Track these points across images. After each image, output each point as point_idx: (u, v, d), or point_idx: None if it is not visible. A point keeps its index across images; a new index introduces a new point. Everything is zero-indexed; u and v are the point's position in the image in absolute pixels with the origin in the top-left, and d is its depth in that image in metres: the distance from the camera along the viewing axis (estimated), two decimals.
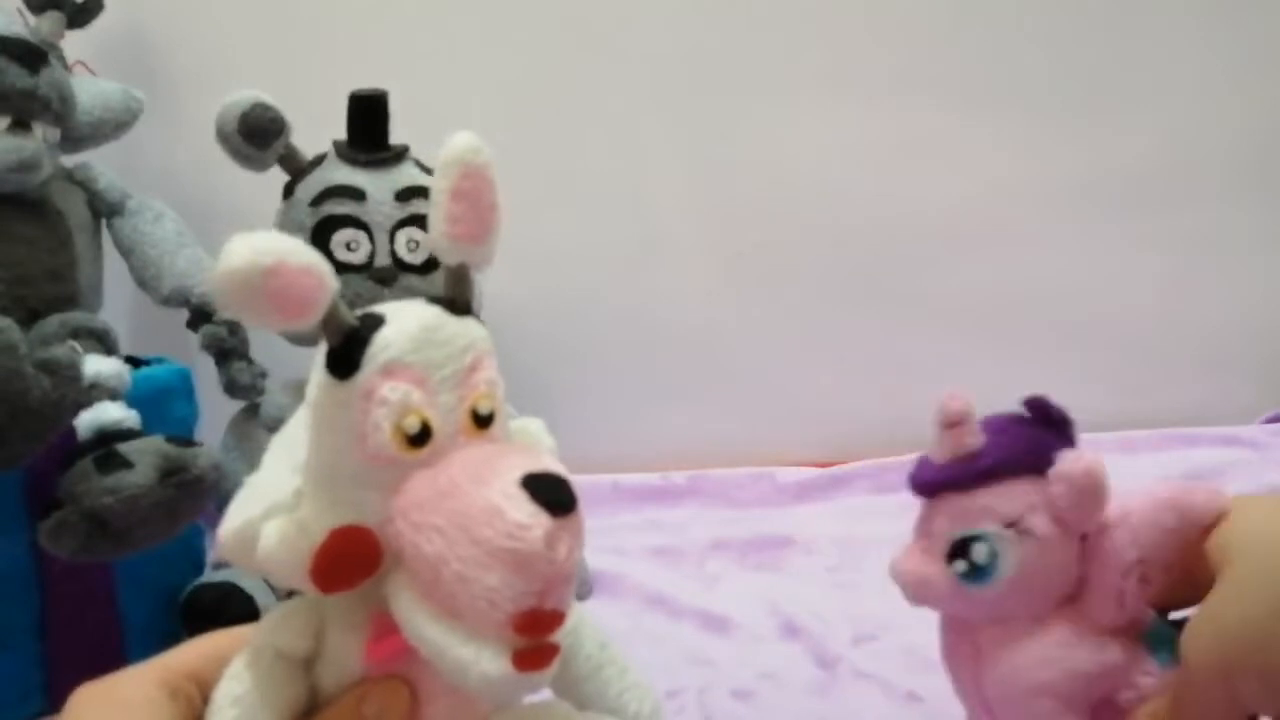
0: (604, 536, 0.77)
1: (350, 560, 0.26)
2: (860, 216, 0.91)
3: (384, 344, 0.26)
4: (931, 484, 0.36)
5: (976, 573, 0.35)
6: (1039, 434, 0.36)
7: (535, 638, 0.25)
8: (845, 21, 0.87)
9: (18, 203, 0.62)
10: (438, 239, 0.29)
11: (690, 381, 0.92)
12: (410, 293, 0.65)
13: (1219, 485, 0.33)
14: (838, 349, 0.92)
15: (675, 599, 0.69)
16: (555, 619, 0.25)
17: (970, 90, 0.89)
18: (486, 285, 0.70)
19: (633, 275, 0.91)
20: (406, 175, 0.67)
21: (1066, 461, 0.35)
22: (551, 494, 0.25)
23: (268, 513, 0.27)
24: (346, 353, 0.27)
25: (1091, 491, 0.34)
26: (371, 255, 0.65)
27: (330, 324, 0.26)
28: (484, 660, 0.25)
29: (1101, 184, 0.91)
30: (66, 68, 0.68)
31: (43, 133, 0.62)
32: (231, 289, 0.24)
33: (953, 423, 0.36)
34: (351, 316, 0.27)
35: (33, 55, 0.61)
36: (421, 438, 0.27)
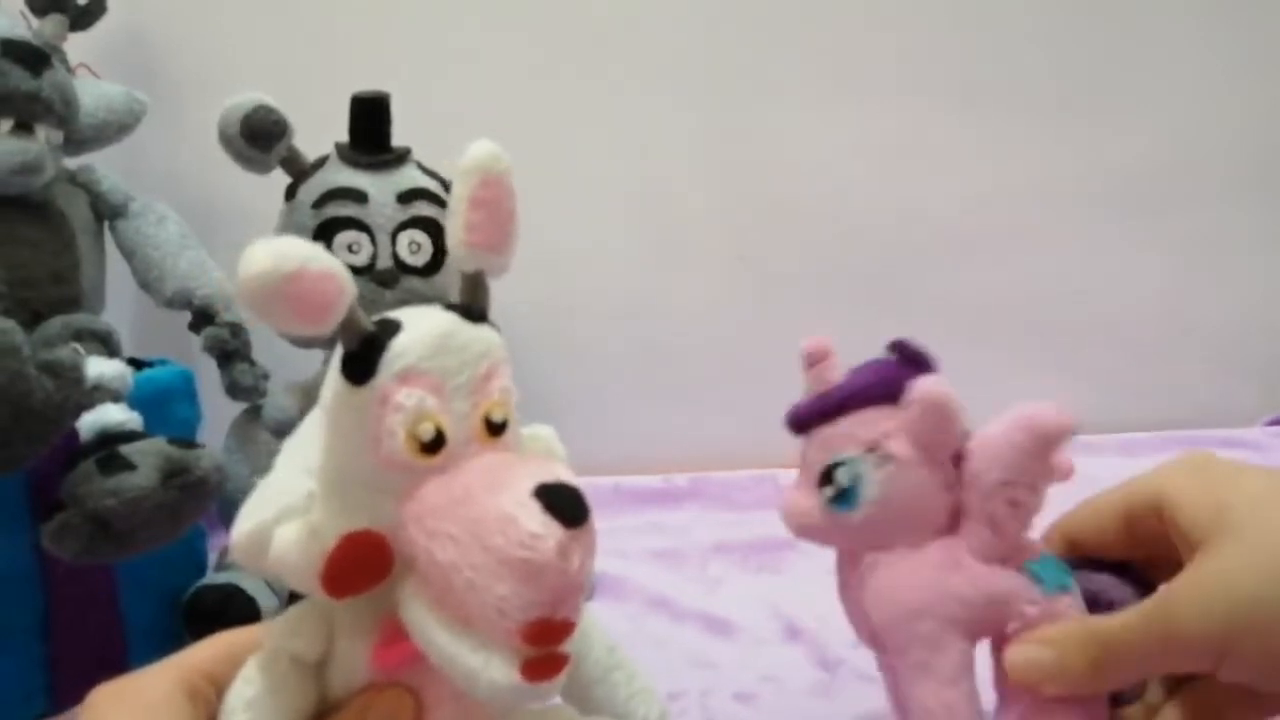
0: (605, 539, 0.76)
1: (362, 565, 0.26)
2: (864, 219, 0.91)
3: (400, 350, 0.27)
4: (800, 419, 0.38)
5: (842, 497, 0.36)
6: (897, 369, 0.38)
7: (545, 647, 0.25)
8: (848, 24, 0.88)
9: (21, 205, 0.62)
10: (455, 246, 0.29)
11: (692, 383, 0.92)
12: (412, 295, 0.65)
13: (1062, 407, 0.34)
14: (840, 350, 0.92)
15: (677, 601, 0.69)
16: (565, 629, 0.25)
17: (973, 93, 0.89)
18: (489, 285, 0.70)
19: (634, 277, 0.91)
20: (408, 177, 0.67)
21: (915, 385, 0.36)
22: (565, 505, 0.25)
23: (280, 516, 0.27)
24: (363, 358, 0.27)
25: (940, 410, 0.35)
26: (373, 257, 0.65)
27: (348, 329, 0.26)
28: (493, 669, 0.25)
29: (1103, 185, 0.91)
30: (69, 70, 0.68)
31: (46, 135, 0.62)
32: (253, 294, 0.24)
33: (814, 361, 0.39)
34: (369, 322, 0.27)
35: (35, 57, 0.61)
36: (435, 444, 0.27)
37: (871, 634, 0.37)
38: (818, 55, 0.88)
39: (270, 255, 0.24)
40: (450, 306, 0.29)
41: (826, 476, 0.37)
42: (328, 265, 0.25)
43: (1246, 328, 0.94)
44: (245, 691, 0.28)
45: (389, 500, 0.27)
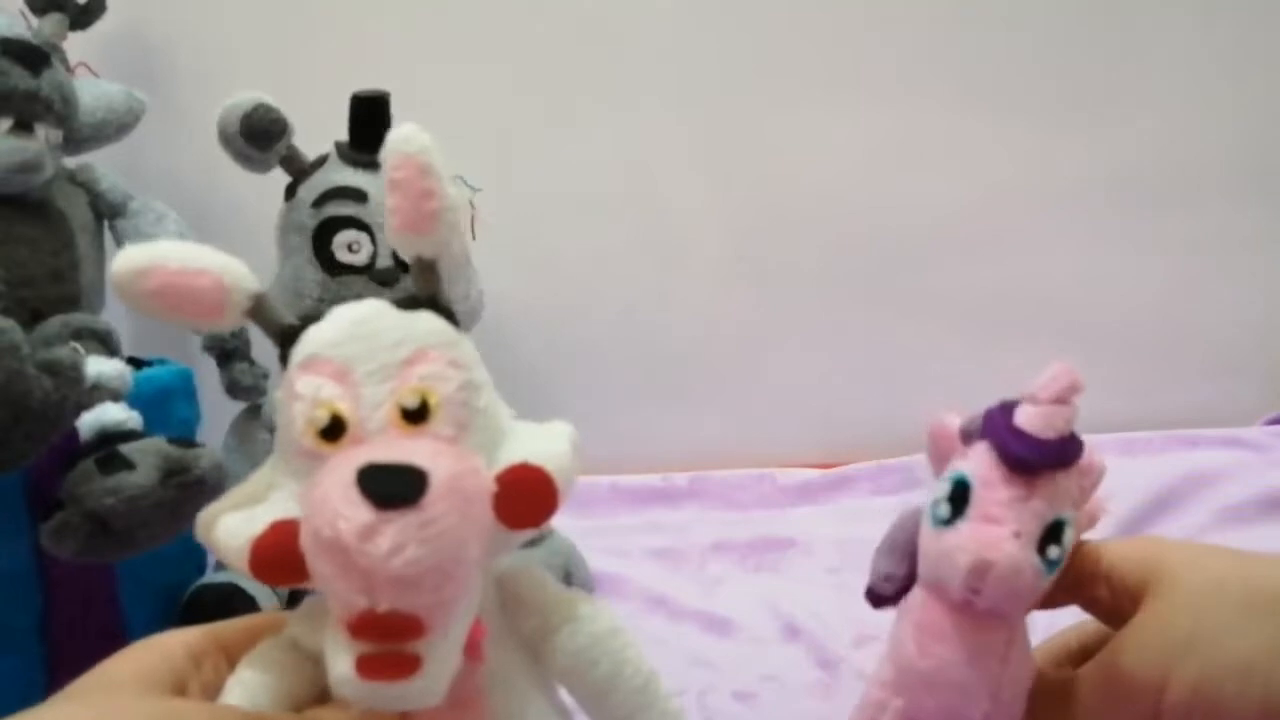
0: (605, 538, 0.77)
1: (286, 554, 0.25)
2: (862, 218, 0.91)
3: (307, 340, 0.27)
4: (1045, 459, 0.32)
5: (1058, 560, 0.32)
6: None
7: (376, 643, 0.23)
8: (847, 23, 0.87)
9: (20, 204, 0.62)
10: (388, 232, 0.29)
11: (691, 382, 0.92)
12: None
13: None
14: (839, 350, 0.92)
15: (676, 601, 0.69)
16: (398, 625, 0.23)
17: (973, 92, 0.89)
18: (488, 285, 0.70)
19: (634, 276, 0.91)
20: None
21: (1091, 459, 0.34)
22: (382, 486, 0.23)
23: (236, 504, 0.28)
24: (283, 351, 0.28)
25: (1097, 487, 0.34)
26: (373, 256, 0.65)
27: (263, 323, 0.28)
28: (336, 661, 0.24)
29: (1104, 185, 0.91)
30: (69, 69, 0.68)
31: (45, 134, 0.62)
32: (117, 289, 0.26)
33: (1069, 396, 0.33)
34: (285, 315, 0.28)
35: (35, 57, 0.61)
36: (332, 431, 0.26)
37: (992, 707, 0.33)
38: (818, 55, 0.88)
39: (128, 255, 0.25)
40: (408, 296, 0.29)
41: (1053, 534, 0.32)
42: (196, 263, 0.26)
43: (1246, 328, 0.94)
44: (244, 671, 0.28)
45: (305, 488, 0.26)
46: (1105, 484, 0.37)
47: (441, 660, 0.24)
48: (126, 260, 0.25)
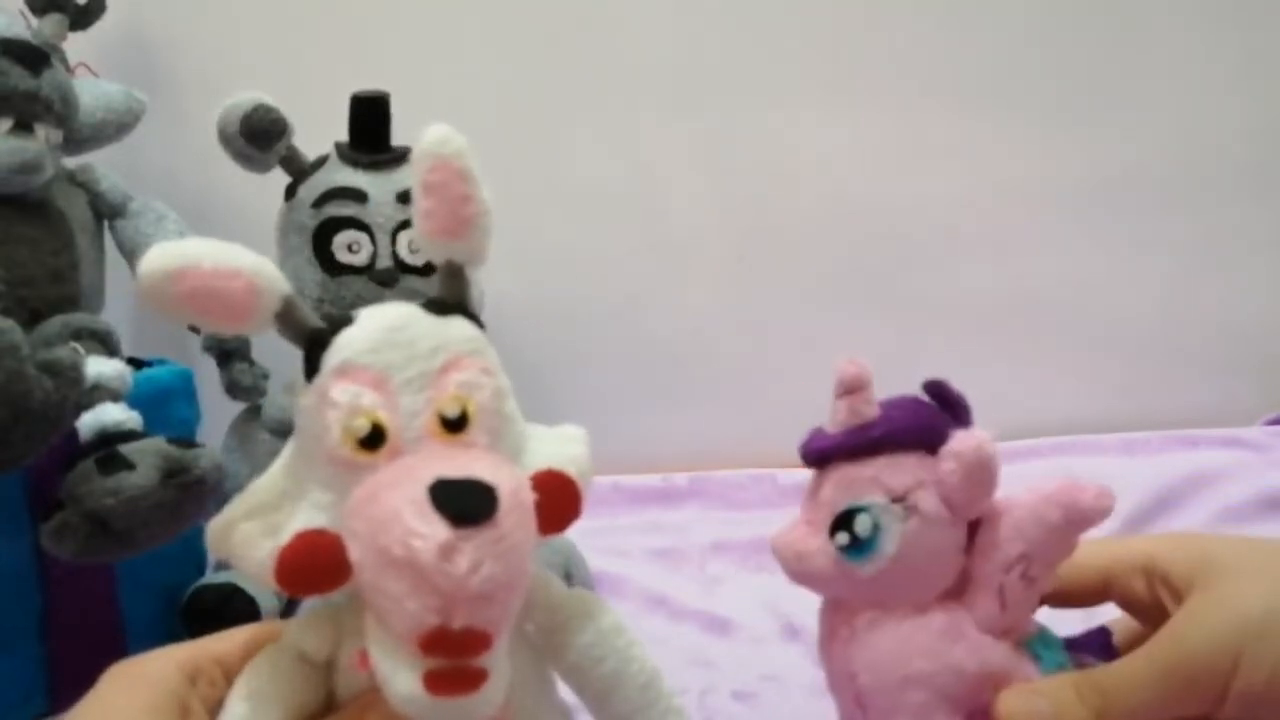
0: (605, 538, 0.77)
1: (313, 565, 0.25)
2: (863, 219, 0.91)
3: (340, 345, 0.26)
4: (823, 452, 0.35)
5: (858, 546, 0.33)
6: (935, 414, 0.35)
7: (447, 659, 0.23)
8: (847, 24, 0.87)
9: (20, 204, 0.62)
10: (417, 237, 0.28)
11: (692, 383, 0.92)
12: (413, 294, 0.65)
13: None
14: (840, 350, 0.91)
15: (676, 600, 0.69)
16: (470, 640, 0.23)
17: (973, 93, 0.89)
18: (488, 285, 0.70)
19: (634, 276, 0.91)
20: (408, 177, 0.67)
21: (958, 439, 0.33)
22: (458, 502, 0.23)
23: (250, 512, 0.27)
24: (310, 355, 0.27)
25: (980, 471, 0.32)
26: (373, 257, 0.65)
27: (287, 327, 0.27)
28: (398, 679, 0.24)
29: (1104, 186, 0.91)
30: (69, 69, 0.68)
31: (45, 134, 0.62)
32: (145, 292, 0.24)
33: (849, 390, 0.35)
34: (314, 319, 0.27)
35: (35, 57, 0.61)
36: (373, 440, 0.26)
37: (855, 695, 0.34)
38: (817, 55, 0.88)
39: (160, 255, 0.24)
40: (429, 300, 0.28)
41: (843, 522, 0.34)
42: (230, 264, 0.25)
43: (1246, 328, 0.94)
44: (250, 682, 0.28)
45: (339, 499, 0.26)
46: (1105, 481, 0.36)
47: (501, 671, 0.24)
48: (157, 261, 0.24)
